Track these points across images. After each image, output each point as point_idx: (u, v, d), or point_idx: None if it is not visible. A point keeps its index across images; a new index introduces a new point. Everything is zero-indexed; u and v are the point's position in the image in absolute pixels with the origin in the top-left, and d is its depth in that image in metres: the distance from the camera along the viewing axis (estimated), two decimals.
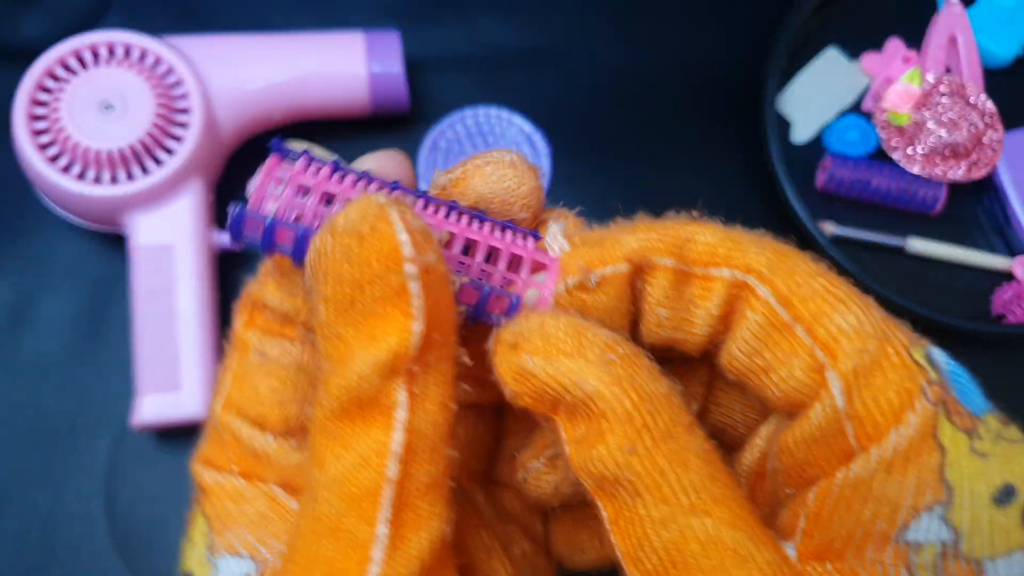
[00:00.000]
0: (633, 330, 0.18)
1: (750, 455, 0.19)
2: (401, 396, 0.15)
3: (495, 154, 0.19)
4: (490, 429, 0.21)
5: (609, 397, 0.15)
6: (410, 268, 0.14)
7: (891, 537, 0.15)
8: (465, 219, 0.18)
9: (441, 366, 0.15)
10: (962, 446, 0.15)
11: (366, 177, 0.17)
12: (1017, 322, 0.48)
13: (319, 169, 0.17)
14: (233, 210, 0.17)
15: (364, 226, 0.14)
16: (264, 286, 0.19)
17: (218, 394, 0.19)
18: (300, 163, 0.17)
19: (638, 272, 0.18)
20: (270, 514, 0.18)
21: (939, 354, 0.16)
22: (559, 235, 0.19)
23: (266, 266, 0.19)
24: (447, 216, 0.18)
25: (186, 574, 0.18)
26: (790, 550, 0.16)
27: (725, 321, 0.17)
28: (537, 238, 0.19)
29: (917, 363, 0.15)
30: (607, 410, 0.15)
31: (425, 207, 0.18)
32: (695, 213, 0.19)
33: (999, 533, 0.14)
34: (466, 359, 0.16)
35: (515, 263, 0.18)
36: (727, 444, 0.20)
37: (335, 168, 0.17)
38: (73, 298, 0.47)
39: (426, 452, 0.15)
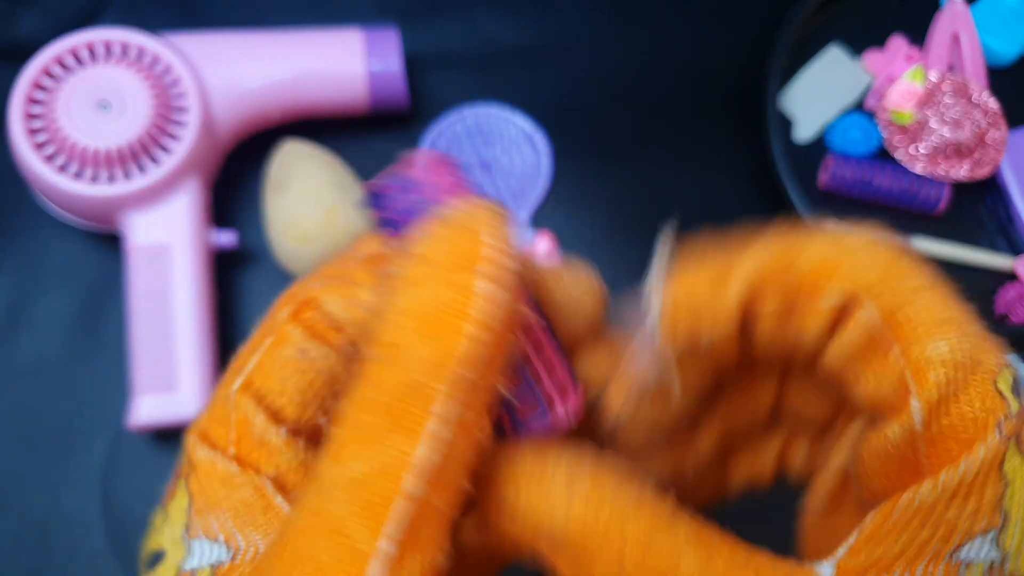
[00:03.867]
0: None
1: (838, 458, 0.19)
2: (439, 407, 0.14)
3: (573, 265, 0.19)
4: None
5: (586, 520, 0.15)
6: (485, 268, 0.14)
7: (944, 555, 0.15)
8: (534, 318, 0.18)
9: (485, 391, 0.15)
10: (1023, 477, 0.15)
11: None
12: (1020, 322, 0.48)
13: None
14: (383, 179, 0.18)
15: (469, 221, 0.15)
16: (328, 289, 0.18)
17: (236, 372, 0.18)
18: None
19: (744, 314, 0.17)
20: (255, 505, 0.17)
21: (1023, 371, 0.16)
22: (657, 298, 0.18)
23: (331, 269, 0.19)
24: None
25: (156, 551, 0.17)
26: (826, 568, 0.16)
27: (830, 333, 0.17)
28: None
29: (1000, 393, 0.15)
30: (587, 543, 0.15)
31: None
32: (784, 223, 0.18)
33: None
34: (505, 391, 0.16)
35: (552, 378, 0.18)
36: (801, 427, 0.21)
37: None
38: (69, 298, 0.47)
39: (448, 476, 0.15)
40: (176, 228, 0.42)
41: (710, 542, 0.16)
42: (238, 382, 0.18)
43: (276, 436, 0.17)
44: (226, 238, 0.45)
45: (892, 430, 0.16)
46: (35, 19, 0.52)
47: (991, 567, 0.15)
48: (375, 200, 0.18)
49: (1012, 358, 0.16)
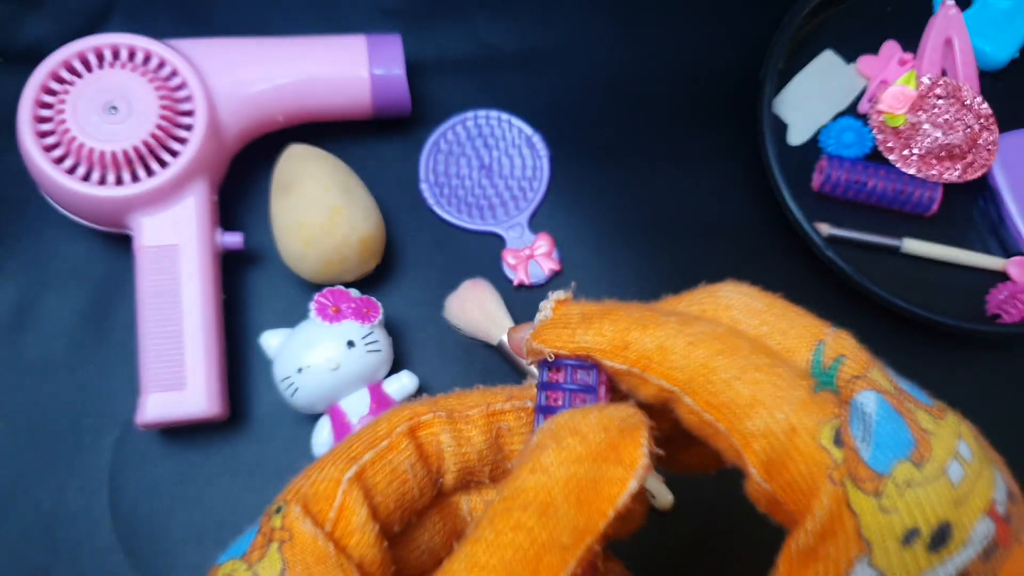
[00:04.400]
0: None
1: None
2: (574, 569, 0.17)
3: None
4: None
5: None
6: (640, 471, 0.18)
7: None
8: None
9: (592, 560, 0.18)
10: (870, 508, 0.18)
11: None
12: (1012, 322, 0.49)
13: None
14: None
15: (629, 420, 0.19)
16: (445, 421, 0.21)
17: (349, 460, 0.20)
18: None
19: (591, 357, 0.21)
20: None
21: (871, 405, 0.19)
22: (548, 307, 0.22)
23: (452, 401, 0.21)
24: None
25: None
26: None
27: (665, 404, 0.20)
28: None
29: (823, 448, 0.18)
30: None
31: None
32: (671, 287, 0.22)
33: (910, 564, 0.18)
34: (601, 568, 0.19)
35: None
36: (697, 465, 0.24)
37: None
38: (78, 297, 0.47)
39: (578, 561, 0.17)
40: (183, 229, 0.43)
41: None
42: (353, 470, 0.20)
43: (372, 531, 0.19)
44: (232, 239, 0.45)
45: (753, 484, 0.19)
46: (43, 24, 0.52)
47: None
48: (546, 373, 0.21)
49: (859, 397, 0.19)
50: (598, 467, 0.17)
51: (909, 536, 0.18)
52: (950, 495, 0.18)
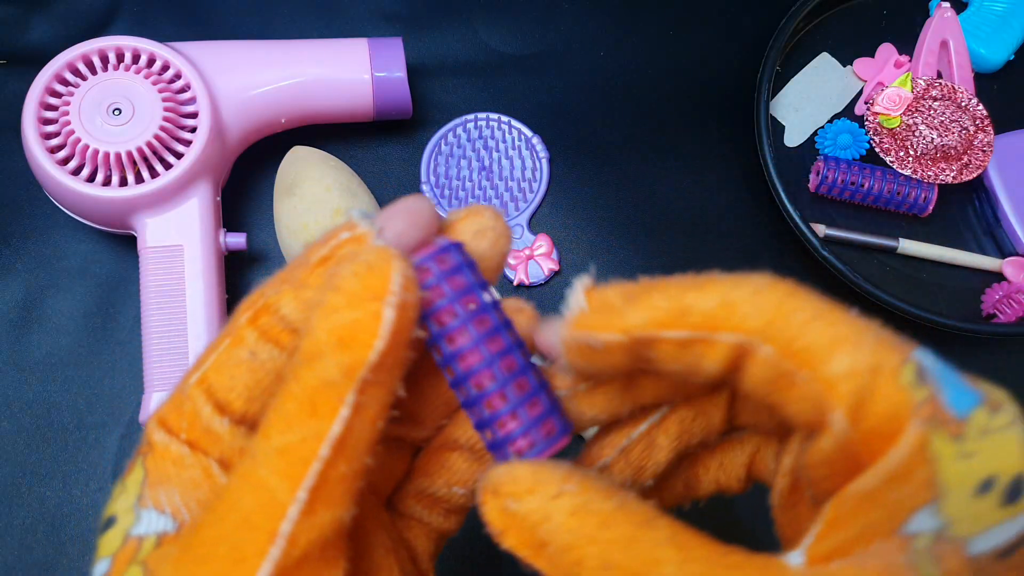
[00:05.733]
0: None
1: (787, 460, 0.22)
2: (349, 398, 0.18)
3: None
4: (404, 461, 0.24)
5: (573, 527, 0.18)
6: (391, 299, 0.18)
7: (895, 531, 0.17)
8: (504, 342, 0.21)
9: (383, 388, 0.19)
10: (950, 453, 0.17)
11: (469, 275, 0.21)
12: (1007, 321, 0.49)
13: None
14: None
15: (377, 260, 0.18)
16: (282, 294, 0.21)
17: (196, 368, 0.21)
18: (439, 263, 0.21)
19: (642, 342, 0.19)
20: (201, 483, 0.20)
21: (928, 359, 0.18)
22: (580, 296, 0.20)
23: (285, 274, 0.21)
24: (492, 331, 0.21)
25: (110, 517, 0.20)
26: (796, 557, 0.18)
27: (734, 369, 0.19)
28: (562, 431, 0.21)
29: (907, 387, 0.18)
30: (574, 543, 0.18)
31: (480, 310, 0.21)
32: (696, 272, 0.20)
33: (981, 516, 0.17)
34: (402, 392, 0.19)
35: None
36: (765, 437, 0.23)
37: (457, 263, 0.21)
38: (83, 297, 0.48)
39: (352, 450, 0.18)
40: (187, 230, 0.43)
41: (688, 541, 0.17)
42: (195, 377, 0.21)
43: (220, 425, 0.20)
44: (236, 240, 0.45)
45: (825, 441, 0.18)
46: (48, 27, 0.53)
47: (936, 534, 0.17)
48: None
49: (917, 351, 0.18)
50: (355, 309, 0.18)
51: (986, 485, 0.17)
52: (1021, 445, 0.18)
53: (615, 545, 0.17)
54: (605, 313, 0.20)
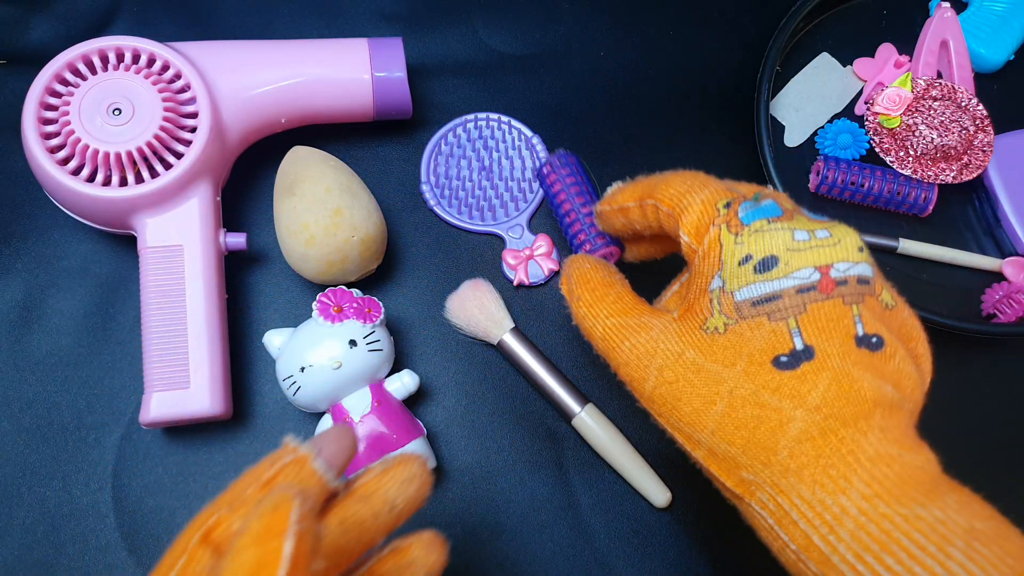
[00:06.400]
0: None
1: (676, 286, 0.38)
2: None
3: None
4: None
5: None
6: (291, 531, 0.22)
7: (706, 290, 0.31)
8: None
9: None
10: (730, 240, 0.31)
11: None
12: (1007, 321, 0.49)
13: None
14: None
15: (281, 501, 0.23)
16: (231, 514, 0.25)
17: None
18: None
19: (622, 209, 0.37)
20: None
21: (744, 206, 0.31)
22: (610, 189, 0.39)
23: (234, 492, 0.26)
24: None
25: None
26: (674, 315, 0.33)
27: (659, 218, 0.35)
28: None
29: (718, 209, 0.32)
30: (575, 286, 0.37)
31: None
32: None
33: (741, 278, 0.30)
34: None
35: None
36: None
37: None
38: (83, 297, 0.48)
39: None
40: (187, 230, 0.43)
41: (631, 303, 0.36)
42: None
43: None
44: (236, 240, 0.46)
45: (683, 244, 0.33)
46: (48, 27, 0.53)
47: (721, 289, 0.31)
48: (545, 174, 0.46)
49: (749, 201, 0.32)
50: (260, 547, 0.22)
51: (745, 259, 0.30)
52: (785, 244, 0.30)
53: (614, 307, 0.35)
54: (609, 197, 0.38)
